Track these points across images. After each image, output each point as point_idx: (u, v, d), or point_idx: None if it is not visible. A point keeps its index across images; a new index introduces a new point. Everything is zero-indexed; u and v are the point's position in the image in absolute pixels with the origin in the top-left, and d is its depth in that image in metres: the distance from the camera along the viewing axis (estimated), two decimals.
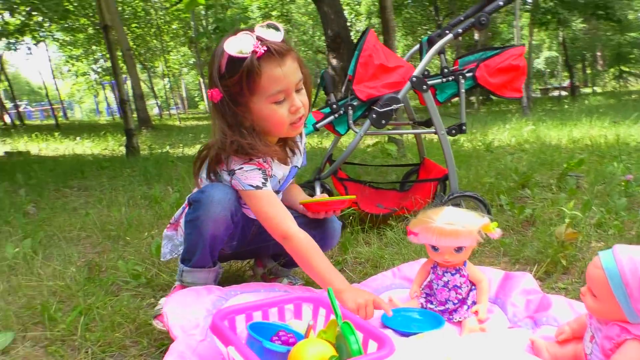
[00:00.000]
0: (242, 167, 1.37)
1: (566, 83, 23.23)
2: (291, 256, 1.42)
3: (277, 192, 1.51)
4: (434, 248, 1.41)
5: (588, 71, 29.80)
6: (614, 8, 15.57)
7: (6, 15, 14.26)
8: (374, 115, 2.15)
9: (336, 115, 2.20)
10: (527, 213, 2.30)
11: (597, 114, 7.81)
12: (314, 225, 1.55)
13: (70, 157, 6.34)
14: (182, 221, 1.52)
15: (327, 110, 2.24)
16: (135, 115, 12.32)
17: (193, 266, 1.46)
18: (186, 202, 1.50)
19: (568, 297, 1.49)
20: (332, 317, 1.12)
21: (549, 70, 36.29)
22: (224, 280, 1.74)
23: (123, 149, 6.29)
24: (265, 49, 1.26)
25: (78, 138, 9.09)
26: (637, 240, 1.94)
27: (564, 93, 21.24)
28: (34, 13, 13.80)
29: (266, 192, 1.38)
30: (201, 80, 21.95)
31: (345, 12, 15.60)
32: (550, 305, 1.38)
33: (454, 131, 2.25)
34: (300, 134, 1.63)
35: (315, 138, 6.82)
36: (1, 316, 1.48)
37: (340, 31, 8.51)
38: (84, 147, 7.91)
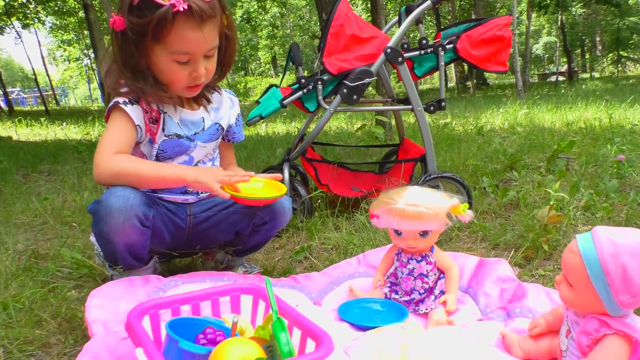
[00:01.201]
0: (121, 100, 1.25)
1: (564, 68, 22.93)
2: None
3: (191, 140, 1.36)
4: (397, 232, 1.26)
5: (587, 56, 29.44)
6: None
7: None
8: (345, 90, 1.98)
9: (305, 90, 2.03)
10: (511, 195, 2.14)
11: (593, 97, 7.63)
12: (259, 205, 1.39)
13: (52, 142, 6.14)
14: None
15: (297, 86, 2.07)
16: None
17: (122, 270, 1.31)
18: None
19: (547, 286, 1.35)
20: (270, 311, 0.98)
21: (547, 55, 35.89)
22: (173, 270, 1.59)
23: None
24: (186, 7, 1.12)
25: (64, 123, 8.86)
26: (627, 224, 1.79)
27: (561, 78, 20.96)
28: None
29: (122, 112, 1.24)
30: None
31: None
32: (525, 294, 1.24)
33: (432, 108, 2.08)
34: (233, 102, 1.48)
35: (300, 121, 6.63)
36: None
37: None
38: (69, 132, 7.70)
